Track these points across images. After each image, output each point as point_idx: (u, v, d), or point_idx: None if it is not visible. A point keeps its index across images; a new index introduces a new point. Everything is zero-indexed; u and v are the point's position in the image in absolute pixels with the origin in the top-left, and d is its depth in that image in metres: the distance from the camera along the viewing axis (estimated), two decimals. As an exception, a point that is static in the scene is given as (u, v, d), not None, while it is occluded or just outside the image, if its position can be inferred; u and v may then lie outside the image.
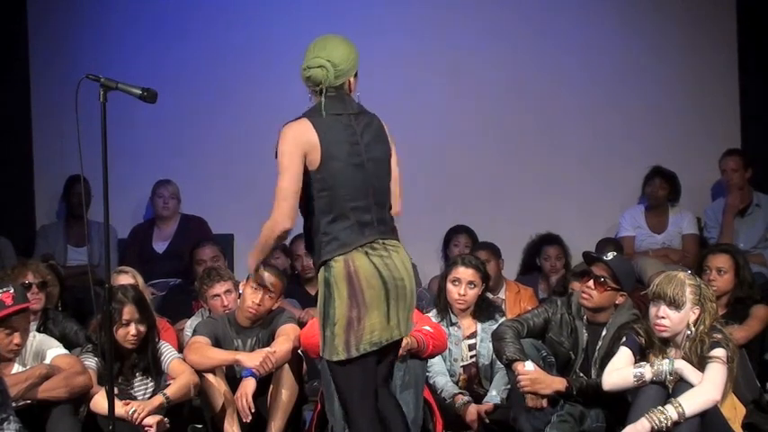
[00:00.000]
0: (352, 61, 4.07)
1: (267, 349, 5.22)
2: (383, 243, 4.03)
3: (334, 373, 4.05)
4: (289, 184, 3.97)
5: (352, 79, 4.11)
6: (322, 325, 4.00)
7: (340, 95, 4.06)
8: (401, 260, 4.05)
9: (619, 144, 7.90)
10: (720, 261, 5.86)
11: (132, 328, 5.03)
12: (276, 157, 4.00)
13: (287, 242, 7.23)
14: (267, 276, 5.37)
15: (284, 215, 3.97)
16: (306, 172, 3.98)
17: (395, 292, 3.99)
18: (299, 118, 4.04)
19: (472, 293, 5.63)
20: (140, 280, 5.90)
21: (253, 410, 5.11)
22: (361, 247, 3.98)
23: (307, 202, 4.02)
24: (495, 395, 5.50)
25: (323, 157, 3.98)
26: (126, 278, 5.82)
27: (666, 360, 4.62)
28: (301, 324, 5.58)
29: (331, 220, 3.99)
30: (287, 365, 5.24)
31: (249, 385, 5.14)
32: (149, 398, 5.05)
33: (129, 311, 5.02)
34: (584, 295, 5.10)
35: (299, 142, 3.97)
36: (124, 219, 7.68)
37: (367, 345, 3.95)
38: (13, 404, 4.56)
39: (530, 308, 5.81)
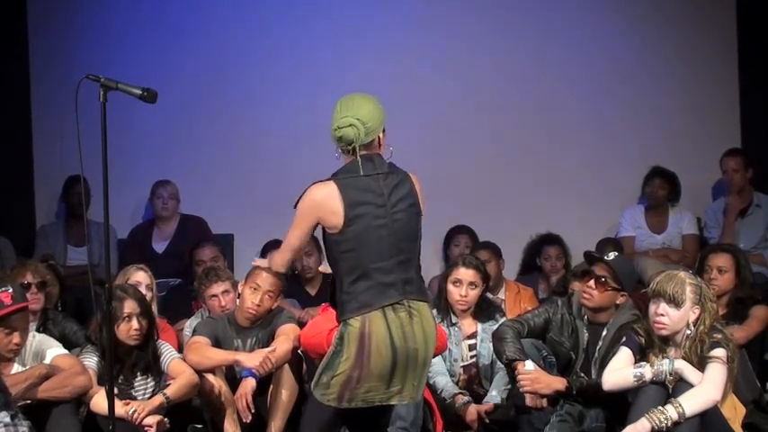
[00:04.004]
0: (379, 117, 4.08)
1: (267, 349, 5.22)
2: (407, 305, 4.05)
3: (313, 402, 4.11)
4: (293, 240, 4.13)
5: (380, 135, 4.11)
6: (322, 368, 4.07)
7: (370, 155, 4.07)
8: (422, 326, 4.07)
9: (619, 144, 7.89)
10: (721, 260, 5.86)
11: (135, 323, 5.03)
12: (295, 207, 4.07)
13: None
14: (266, 276, 5.39)
15: (279, 263, 4.22)
16: (330, 233, 4.05)
17: (404, 360, 4.03)
18: (329, 179, 4.05)
19: (473, 294, 5.63)
20: (152, 279, 5.92)
21: (253, 410, 5.12)
22: (382, 309, 4.00)
23: (332, 262, 4.09)
24: (495, 395, 5.50)
25: (346, 220, 4.01)
26: (143, 276, 5.82)
27: (666, 360, 4.62)
28: (301, 324, 5.57)
29: (353, 280, 4.03)
30: (287, 365, 5.24)
31: (249, 385, 5.14)
32: (149, 398, 5.05)
33: (129, 305, 5.03)
34: (585, 295, 5.10)
35: (317, 212, 4.04)
36: (124, 219, 7.68)
37: (360, 401, 4.03)
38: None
39: (530, 308, 5.80)
